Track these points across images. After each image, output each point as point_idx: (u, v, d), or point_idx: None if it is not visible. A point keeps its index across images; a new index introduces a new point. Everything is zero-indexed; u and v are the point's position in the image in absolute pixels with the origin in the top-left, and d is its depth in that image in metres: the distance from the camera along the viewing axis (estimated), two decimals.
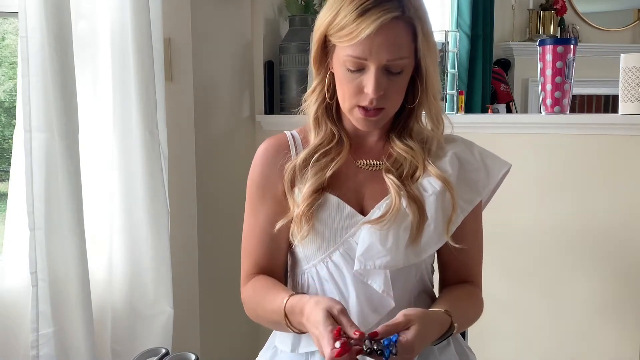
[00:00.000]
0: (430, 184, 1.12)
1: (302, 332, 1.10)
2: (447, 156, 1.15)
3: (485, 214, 1.26)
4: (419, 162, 1.14)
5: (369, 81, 1.06)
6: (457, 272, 1.19)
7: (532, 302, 2.05)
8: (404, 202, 1.10)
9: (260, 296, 1.17)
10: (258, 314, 1.19)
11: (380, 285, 1.10)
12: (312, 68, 1.18)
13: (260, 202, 1.19)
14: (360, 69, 1.07)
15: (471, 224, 1.17)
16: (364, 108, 1.09)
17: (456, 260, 1.17)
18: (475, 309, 1.19)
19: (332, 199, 1.13)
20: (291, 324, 1.08)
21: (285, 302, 1.08)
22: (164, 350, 1.34)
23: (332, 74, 1.14)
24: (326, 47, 1.13)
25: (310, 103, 1.18)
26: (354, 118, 1.12)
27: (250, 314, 1.23)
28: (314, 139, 1.17)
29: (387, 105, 1.10)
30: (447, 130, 1.20)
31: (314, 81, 1.18)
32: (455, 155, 1.16)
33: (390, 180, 1.12)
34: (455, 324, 1.07)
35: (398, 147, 1.15)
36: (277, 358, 1.22)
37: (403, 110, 1.17)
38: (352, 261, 1.10)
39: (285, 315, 1.08)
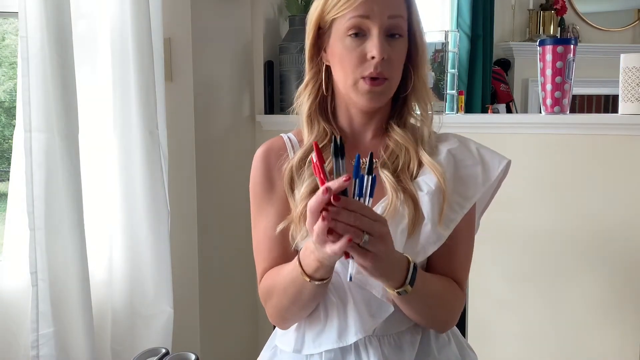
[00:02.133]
0: (425, 183, 1.11)
1: (319, 280, 1.04)
2: (441, 154, 1.15)
3: (485, 213, 1.26)
4: (411, 149, 1.14)
5: (373, 45, 1.07)
6: (442, 271, 1.16)
7: (533, 302, 2.05)
8: (401, 198, 1.10)
9: (275, 274, 1.14)
10: (275, 291, 1.13)
11: (379, 290, 1.09)
12: (305, 63, 1.19)
13: (267, 203, 1.18)
14: (362, 34, 1.09)
15: (463, 222, 1.14)
16: (369, 78, 1.09)
17: (442, 259, 1.14)
18: (448, 292, 1.14)
19: None
20: (306, 271, 1.04)
21: (297, 256, 1.06)
22: (164, 350, 1.34)
23: (327, 68, 1.15)
24: (320, 36, 1.14)
25: (304, 99, 1.18)
26: (359, 93, 1.11)
27: (265, 294, 1.17)
28: (307, 138, 1.18)
29: (390, 74, 1.10)
30: (435, 129, 1.20)
31: (306, 76, 1.19)
32: (449, 152, 1.15)
33: (385, 175, 1.12)
34: (414, 263, 1.02)
35: (396, 133, 1.15)
36: (276, 358, 1.22)
37: (397, 102, 1.18)
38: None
39: (300, 264, 1.04)
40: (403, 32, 1.11)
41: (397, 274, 1.00)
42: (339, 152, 0.93)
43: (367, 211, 0.91)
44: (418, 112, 1.19)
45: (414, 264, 1.02)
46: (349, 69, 1.10)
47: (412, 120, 1.19)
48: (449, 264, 1.15)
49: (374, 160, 0.96)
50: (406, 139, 1.15)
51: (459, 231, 1.13)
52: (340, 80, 1.13)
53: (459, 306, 1.17)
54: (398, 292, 1.02)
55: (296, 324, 1.18)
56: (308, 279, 1.04)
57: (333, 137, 0.95)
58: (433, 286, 1.10)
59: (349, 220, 0.89)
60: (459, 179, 1.13)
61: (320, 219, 0.89)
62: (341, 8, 1.08)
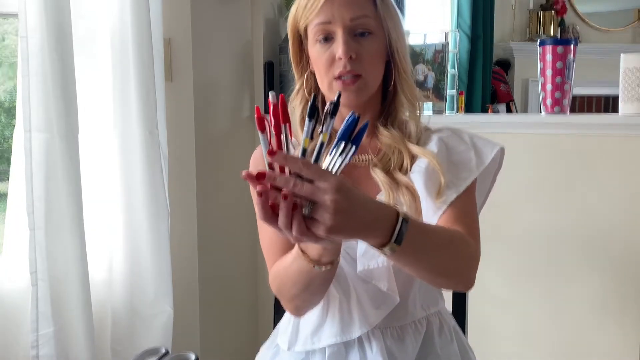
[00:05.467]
0: (417, 165, 1.12)
1: (327, 264, 0.97)
2: (432, 141, 1.15)
3: (485, 213, 1.25)
4: (402, 147, 1.14)
5: (338, 46, 1.09)
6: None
7: (533, 302, 2.05)
8: (396, 193, 1.10)
9: (280, 262, 1.10)
10: (281, 280, 1.09)
11: (385, 284, 1.09)
12: (293, 71, 1.21)
13: None
14: (330, 38, 1.11)
15: (463, 194, 1.11)
16: (342, 79, 1.10)
17: (446, 219, 1.08)
18: (454, 239, 1.02)
19: None
20: (311, 257, 0.97)
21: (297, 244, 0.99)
22: (164, 350, 1.34)
23: (312, 74, 1.17)
24: (301, 42, 1.17)
25: (296, 105, 1.20)
26: (334, 93, 1.12)
27: (276, 290, 1.12)
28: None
29: (363, 71, 1.11)
30: (425, 124, 1.21)
31: (296, 83, 1.20)
32: (441, 139, 1.15)
33: (377, 175, 1.12)
34: (403, 216, 0.86)
35: (383, 134, 1.16)
36: (278, 357, 1.22)
37: (385, 100, 1.19)
38: (353, 260, 1.10)
39: (302, 251, 0.97)
40: (373, 29, 1.11)
41: (377, 232, 0.85)
42: (320, 113, 0.80)
43: (311, 172, 0.76)
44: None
45: (404, 218, 0.86)
46: (323, 72, 1.12)
47: (401, 116, 1.19)
48: (455, 223, 1.08)
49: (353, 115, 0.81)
50: (396, 139, 1.15)
51: (459, 198, 1.10)
52: (320, 83, 1.15)
53: (474, 255, 1.05)
54: (383, 252, 0.87)
55: (293, 319, 1.17)
56: (314, 266, 0.97)
57: (313, 95, 0.82)
58: (434, 235, 0.98)
59: (287, 186, 0.76)
60: (452, 164, 1.13)
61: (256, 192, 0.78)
62: (307, 15, 1.11)
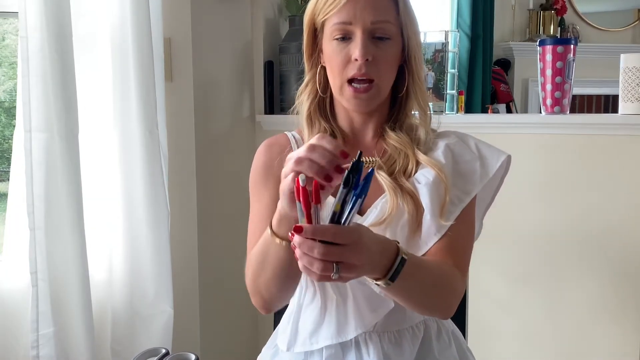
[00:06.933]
0: (423, 176, 1.11)
1: (282, 238, 1.00)
2: (439, 149, 1.15)
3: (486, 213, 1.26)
4: (409, 152, 1.14)
5: (356, 47, 1.08)
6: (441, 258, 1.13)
7: (533, 302, 2.05)
8: (400, 198, 1.10)
9: (254, 248, 1.13)
10: (252, 265, 1.13)
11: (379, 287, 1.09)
12: (304, 64, 1.20)
13: (264, 186, 1.18)
14: (347, 37, 1.10)
15: (461, 213, 1.12)
16: (354, 86, 1.10)
17: (440, 250, 1.11)
18: (444, 278, 1.07)
19: (329, 199, 1.12)
20: (278, 233, 1.00)
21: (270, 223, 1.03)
22: (164, 350, 1.34)
23: (323, 68, 1.16)
24: (316, 36, 1.15)
25: (304, 99, 1.19)
26: (345, 98, 1.12)
27: (248, 275, 1.17)
28: (307, 138, 1.18)
29: (377, 76, 1.10)
30: (434, 127, 1.20)
31: (306, 76, 1.19)
32: (448, 147, 1.15)
33: (382, 177, 1.12)
34: (404, 255, 0.93)
35: (391, 138, 1.15)
36: (277, 358, 1.22)
37: (395, 103, 1.18)
38: None
39: (271, 228, 1.01)
40: (392, 35, 1.11)
41: (377, 269, 0.92)
42: (354, 179, 0.84)
43: (340, 239, 0.83)
44: (416, 113, 1.19)
45: (402, 257, 0.93)
46: (336, 71, 1.12)
47: (410, 121, 1.19)
48: (447, 254, 1.11)
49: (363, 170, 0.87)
50: (403, 142, 1.15)
51: (457, 222, 1.11)
52: (331, 82, 1.14)
53: (459, 291, 1.10)
54: (377, 284, 0.95)
55: (292, 319, 1.16)
56: (273, 237, 1.00)
57: (351, 165, 0.85)
58: (426, 273, 1.02)
59: (312, 252, 0.83)
60: (458, 174, 1.13)
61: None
62: (327, 10, 1.10)
